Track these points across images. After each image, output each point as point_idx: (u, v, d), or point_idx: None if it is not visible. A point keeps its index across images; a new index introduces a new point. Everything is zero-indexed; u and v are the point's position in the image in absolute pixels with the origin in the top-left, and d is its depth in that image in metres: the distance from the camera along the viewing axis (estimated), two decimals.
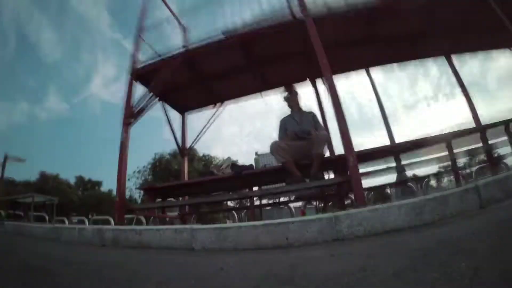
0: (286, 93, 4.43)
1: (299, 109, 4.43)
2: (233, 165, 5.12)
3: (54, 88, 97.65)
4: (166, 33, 5.80)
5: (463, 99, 6.27)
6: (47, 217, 11.17)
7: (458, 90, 6.39)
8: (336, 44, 5.48)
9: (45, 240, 3.75)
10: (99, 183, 45.49)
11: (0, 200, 11.50)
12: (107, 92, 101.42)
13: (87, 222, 9.17)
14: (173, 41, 5.61)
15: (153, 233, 2.67)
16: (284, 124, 4.37)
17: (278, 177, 4.49)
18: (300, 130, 4.01)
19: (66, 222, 10.04)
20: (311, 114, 4.38)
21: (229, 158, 5.64)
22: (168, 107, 6.98)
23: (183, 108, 7.39)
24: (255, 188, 5.13)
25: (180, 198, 6.33)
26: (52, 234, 3.86)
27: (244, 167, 4.66)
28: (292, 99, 4.41)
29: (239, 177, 4.49)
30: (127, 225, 4.73)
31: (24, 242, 3.66)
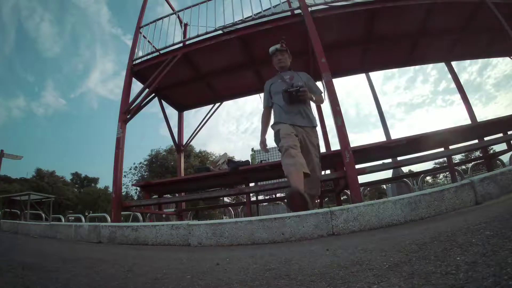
0: (277, 46, 3.51)
1: (290, 68, 3.58)
2: (230, 161, 5.12)
3: (51, 83, 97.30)
4: (166, 29, 5.76)
5: (460, 101, 6.36)
6: (43, 215, 11.11)
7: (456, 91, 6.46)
8: (335, 44, 5.49)
9: (42, 238, 3.74)
10: (95, 180, 45.43)
11: None
12: (104, 88, 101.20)
13: (83, 220, 9.15)
14: (172, 37, 5.57)
15: (149, 229, 2.66)
16: (269, 87, 3.54)
17: (274, 173, 4.50)
18: (290, 84, 3.24)
19: (63, 220, 10.01)
20: (306, 75, 3.52)
21: (225, 154, 5.63)
22: (165, 104, 6.96)
23: (180, 105, 7.39)
24: (252, 184, 5.14)
25: (177, 195, 6.33)
26: (48, 232, 3.84)
27: (240, 163, 4.66)
28: (282, 55, 3.52)
29: (236, 173, 4.49)
30: (123, 222, 4.72)
31: (20, 240, 3.64)
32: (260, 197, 7.39)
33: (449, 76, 6.64)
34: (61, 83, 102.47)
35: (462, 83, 6.59)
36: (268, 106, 3.54)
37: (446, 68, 6.66)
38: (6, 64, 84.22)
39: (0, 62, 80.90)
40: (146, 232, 2.68)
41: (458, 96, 6.54)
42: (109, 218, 7.44)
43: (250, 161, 5.43)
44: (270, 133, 3.42)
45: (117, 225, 3.00)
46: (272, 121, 3.44)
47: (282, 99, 3.21)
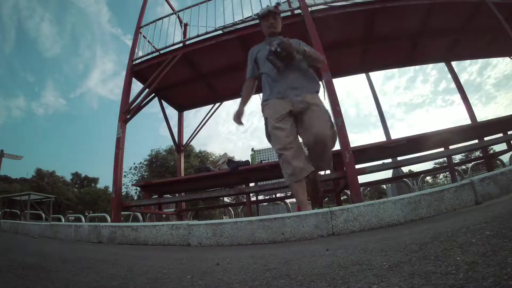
0: (270, 7, 3.02)
1: (280, 34, 3.04)
2: (230, 161, 5.12)
3: (51, 83, 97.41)
4: (166, 29, 5.77)
5: (460, 101, 6.37)
6: (43, 215, 11.10)
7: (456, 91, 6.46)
8: (335, 44, 5.48)
9: (42, 238, 3.74)
10: (95, 180, 45.46)
11: None
12: (104, 88, 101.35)
13: (83, 220, 9.15)
14: (172, 37, 5.58)
15: (149, 229, 2.66)
16: (256, 54, 3.03)
17: (274, 173, 4.49)
18: (279, 46, 2.65)
19: (63, 220, 10.01)
20: (298, 40, 3.02)
21: (225, 154, 5.63)
22: (165, 104, 6.97)
23: (180, 105, 7.38)
24: (252, 184, 5.14)
25: (177, 195, 6.33)
26: (48, 232, 3.84)
27: (240, 163, 4.66)
28: (275, 19, 3.00)
29: (236, 173, 4.49)
30: (123, 222, 4.72)
31: (20, 240, 3.64)
32: (260, 197, 7.39)
33: (449, 76, 6.65)
34: (61, 83, 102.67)
35: (462, 83, 6.60)
36: (252, 77, 3.11)
37: (446, 68, 6.66)
38: (6, 64, 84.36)
39: (0, 62, 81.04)
40: (146, 232, 2.68)
41: (458, 96, 6.55)
42: (109, 218, 7.44)
43: (250, 161, 5.43)
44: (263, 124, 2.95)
45: (117, 225, 3.00)
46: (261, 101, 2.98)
47: (271, 64, 2.73)
